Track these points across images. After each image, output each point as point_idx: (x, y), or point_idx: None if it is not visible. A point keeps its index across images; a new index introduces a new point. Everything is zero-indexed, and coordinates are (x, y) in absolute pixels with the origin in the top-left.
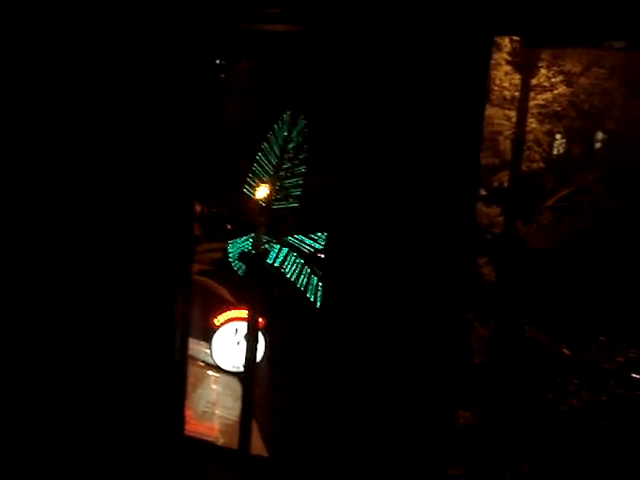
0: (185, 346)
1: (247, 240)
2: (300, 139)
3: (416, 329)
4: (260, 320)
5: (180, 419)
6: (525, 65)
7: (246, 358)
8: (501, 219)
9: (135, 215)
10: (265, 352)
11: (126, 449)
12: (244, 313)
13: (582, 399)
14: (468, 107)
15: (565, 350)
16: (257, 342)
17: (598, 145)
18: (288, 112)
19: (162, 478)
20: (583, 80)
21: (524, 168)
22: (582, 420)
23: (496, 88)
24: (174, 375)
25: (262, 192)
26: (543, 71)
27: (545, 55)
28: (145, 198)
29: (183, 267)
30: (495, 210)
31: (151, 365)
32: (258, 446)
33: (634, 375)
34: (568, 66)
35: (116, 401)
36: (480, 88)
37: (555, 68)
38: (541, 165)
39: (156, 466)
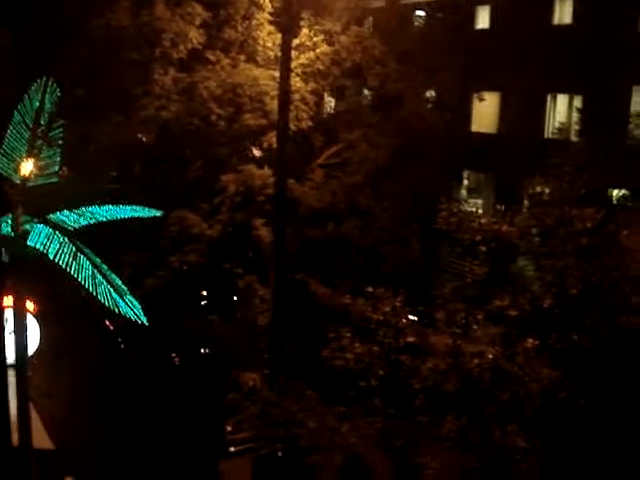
0: None
1: (4, 221)
2: (53, 109)
3: None
4: (31, 307)
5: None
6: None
7: (16, 348)
8: (273, 180)
9: None
10: (42, 341)
11: None
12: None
13: (355, 351)
14: None
15: (348, 300)
16: (26, 331)
17: (363, 102)
18: (39, 80)
19: None
20: (344, 38)
21: (292, 127)
22: (358, 371)
23: (260, 49)
24: None
25: (17, 168)
26: (305, 30)
27: (306, 14)
28: None
29: None
30: (267, 172)
31: None
32: (42, 439)
33: (407, 319)
34: (329, 25)
35: None
36: None
37: (317, 27)
38: (309, 123)
39: None
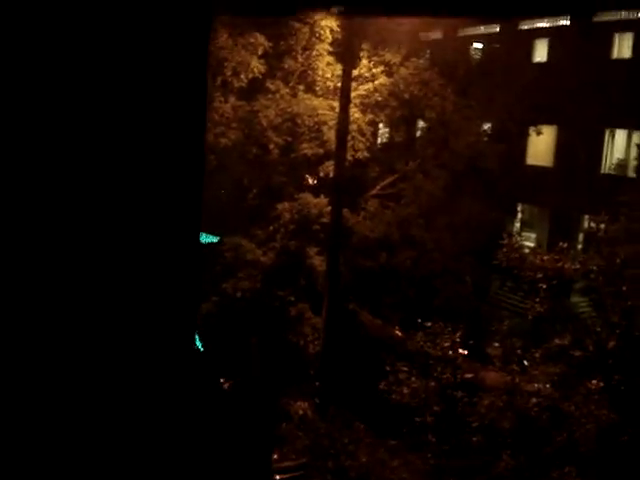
0: None
1: None
2: None
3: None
4: None
5: None
6: (346, 56)
7: None
8: (329, 209)
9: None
10: None
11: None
12: None
13: (412, 386)
14: (183, 102)
15: (398, 332)
16: None
17: (418, 133)
18: None
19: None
20: (403, 70)
21: (349, 157)
22: (413, 406)
23: (319, 79)
24: None
25: None
26: (364, 62)
27: (366, 46)
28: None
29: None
30: (323, 200)
31: None
32: None
33: (461, 351)
34: (388, 57)
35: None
36: (197, 77)
37: (375, 59)
38: (365, 154)
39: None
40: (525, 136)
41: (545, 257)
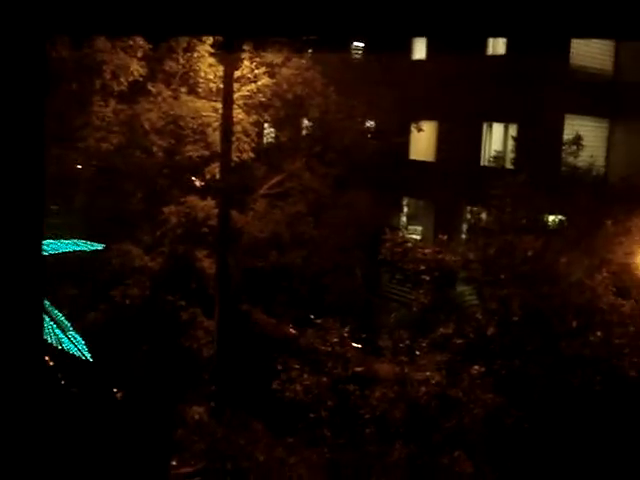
0: None
1: None
2: None
3: None
4: None
5: None
6: (227, 57)
7: None
8: (216, 211)
9: None
10: None
11: None
12: None
13: (304, 383)
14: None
15: (292, 330)
16: None
17: (304, 132)
18: None
19: None
20: (285, 70)
21: (234, 158)
22: (307, 403)
23: (201, 80)
24: None
25: None
26: (246, 63)
27: (247, 47)
28: None
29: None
30: (209, 203)
31: None
32: None
33: (353, 348)
34: (269, 57)
35: None
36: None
37: (257, 59)
38: (251, 155)
39: None
40: (407, 132)
41: (427, 250)
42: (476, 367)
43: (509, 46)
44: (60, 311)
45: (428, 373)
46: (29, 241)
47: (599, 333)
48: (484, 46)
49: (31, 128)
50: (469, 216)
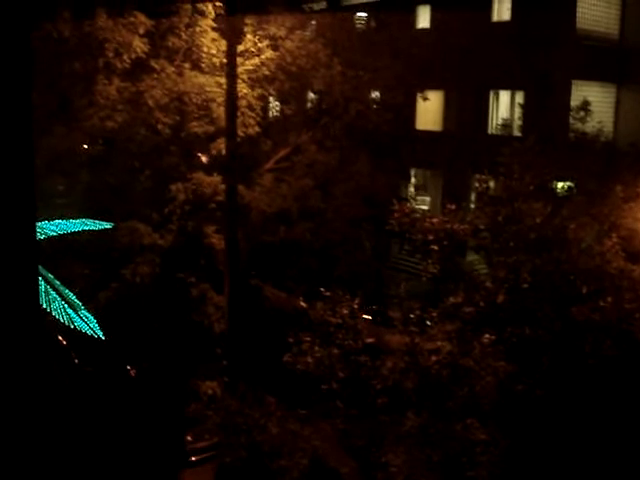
0: None
1: None
2: None
3: None
4: None
5: None
6: (230, 31)
7: None
8: (223, 187)
9: None
10: None
11: None
12: None
13: (315, 355)
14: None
15: (302, 303)
16: None
17: (309, 105)
18: None
19: None
20: (288, 43)
21: (240, 133)
22: (319, 375)
23: (204, 56)
24: None
25: None
26: (249, 36)
27: (250, 20)
28: None
29: None
30: (216, 178)
31: None
32: None
33: (364, 320)
34: (273, 30)
35: None
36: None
37: (260, 33)
38: (257, 129)
39: None
40: (414, 102)
41: (434, 220)
42: (487, 335)
43: (514, 12)
44: (71, 290)
45: (439, 343)
46: (21, 225)
47: (609, 298)
48: (489, 13)
49: (18, 120)
50: (477, 185)
